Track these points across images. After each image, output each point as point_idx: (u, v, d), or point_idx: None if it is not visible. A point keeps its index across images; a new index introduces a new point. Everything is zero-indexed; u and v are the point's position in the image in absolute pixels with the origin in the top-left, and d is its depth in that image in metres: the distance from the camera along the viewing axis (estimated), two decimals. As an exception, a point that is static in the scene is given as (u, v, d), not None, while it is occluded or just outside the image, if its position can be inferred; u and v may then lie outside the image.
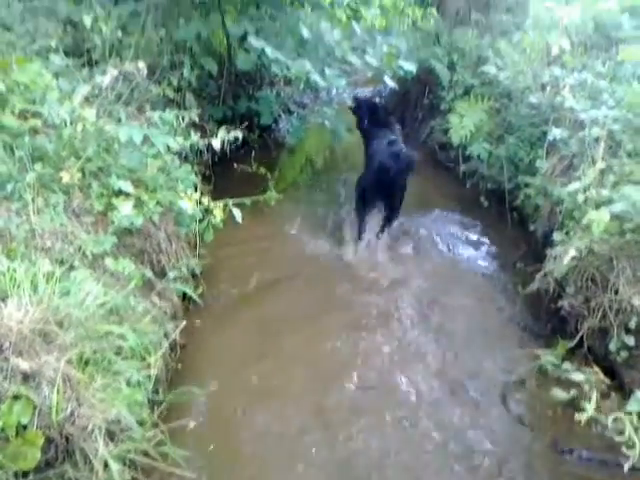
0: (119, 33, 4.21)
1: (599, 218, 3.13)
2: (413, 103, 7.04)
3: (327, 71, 4.69)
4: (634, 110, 3.80)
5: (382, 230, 4.65)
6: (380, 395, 3.26)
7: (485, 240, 4.91)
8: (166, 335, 3.07)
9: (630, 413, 2.89)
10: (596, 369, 3.33)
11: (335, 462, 2.84)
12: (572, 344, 3.42)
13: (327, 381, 3.34)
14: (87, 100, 3.56)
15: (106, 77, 3.08)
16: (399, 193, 4.52)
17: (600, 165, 3.62)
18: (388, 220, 4.65)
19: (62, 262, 2.72)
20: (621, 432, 2.88)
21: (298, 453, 2.88)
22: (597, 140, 3.82)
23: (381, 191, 4.48)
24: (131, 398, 2.40)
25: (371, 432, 3.01)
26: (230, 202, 3.73)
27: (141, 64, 3.20)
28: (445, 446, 2.94)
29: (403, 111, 6.99)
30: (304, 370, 3.42)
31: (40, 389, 2.12)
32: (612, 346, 3.19)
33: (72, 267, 2.72)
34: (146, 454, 2.47)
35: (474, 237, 4.96)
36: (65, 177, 2.92)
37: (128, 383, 2.48)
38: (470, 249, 4.80)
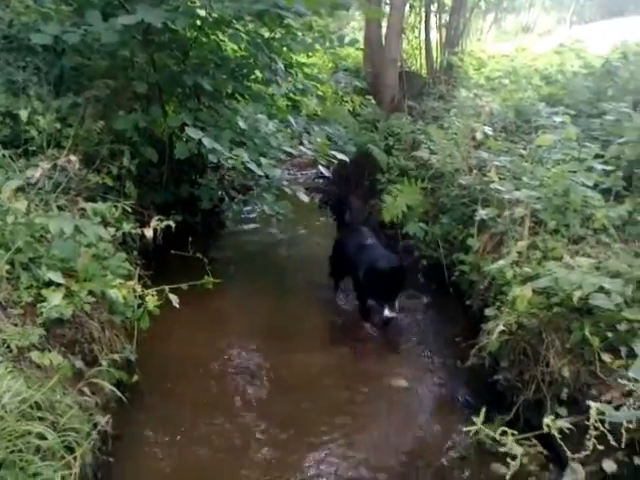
0: (57, 124, 4.28)
1: (522, 294, 3.26)
2: (354, 185, 7.35)
3: (263, 160, 4.85)
4: (554, 190, 4.04)
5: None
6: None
7: (426, 316, 5.00)
8: (96, 427, 2.96)
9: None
10: (534, 441, 3.35)
11: None
12: (509, 417, 3.45)
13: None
14: (22, 190, 3.58)
15: (37, 171, 3.12)
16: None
17: (524, 243, 3.81)
18: None
19: (-17, 358, 2.64)
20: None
21: None
22: (522, 219, 4.03)
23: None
24: (50, 501, 2.28)
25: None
26: (167, 288, 3.70)
27: (73, 157, 3.26)
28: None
29: (345, 192, 7.23)
30: (242, 462, 3.30)
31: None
32: (546, 418, 3.23)
33: (-6, 363, 2.64)
34: None
35: (415, 313, 5.04)
36: (-8, 270, 2.89)
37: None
38: (411, 325, 4.86)
